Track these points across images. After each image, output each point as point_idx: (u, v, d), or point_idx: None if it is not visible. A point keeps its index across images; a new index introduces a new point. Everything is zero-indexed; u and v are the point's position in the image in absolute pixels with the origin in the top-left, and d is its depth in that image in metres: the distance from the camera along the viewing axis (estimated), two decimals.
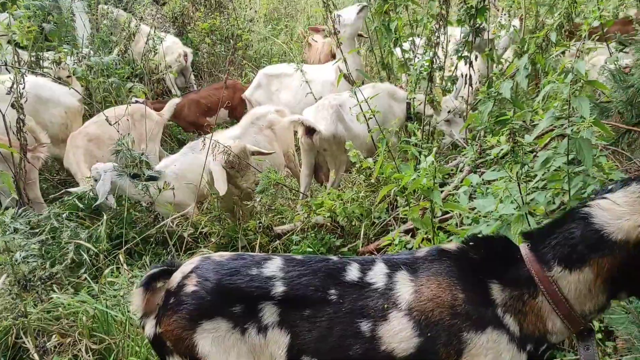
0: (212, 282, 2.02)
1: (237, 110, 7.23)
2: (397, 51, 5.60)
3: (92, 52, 6.68)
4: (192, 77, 8.58)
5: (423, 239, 2.95)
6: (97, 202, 4.29)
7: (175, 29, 9.71)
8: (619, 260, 1.74)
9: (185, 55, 8.13)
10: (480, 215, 2.84)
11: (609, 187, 1.85)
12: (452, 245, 2.09)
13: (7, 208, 3.55)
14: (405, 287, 1.95)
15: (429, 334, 1.88)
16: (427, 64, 4.32)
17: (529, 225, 2.50)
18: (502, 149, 2.55)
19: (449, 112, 5.14)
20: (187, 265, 2.14)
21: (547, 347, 1.93)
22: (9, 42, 5.16)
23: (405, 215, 4.08)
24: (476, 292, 1.91)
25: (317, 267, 2.04)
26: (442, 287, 1.92)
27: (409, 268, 2.00)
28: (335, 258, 2.12)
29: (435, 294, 1.91)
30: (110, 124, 4.20)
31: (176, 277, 2.11)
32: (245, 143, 4.40)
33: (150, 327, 2.10)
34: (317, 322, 1.95)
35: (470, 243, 2.02)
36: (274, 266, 2.05)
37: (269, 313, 1.97)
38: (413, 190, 2.90)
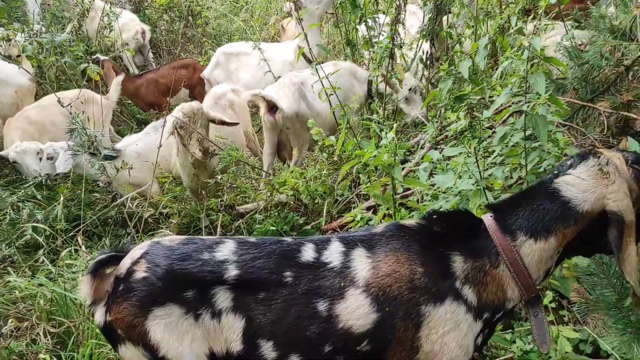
0: (162, 268, 1.97)
1: (196, 90, 7.13)
2: (362, 28, 5.58)
3: (43, 29, 6.42)
4: (151, 55, 8.36)
5: (385, 215, 2.97)
6: (58, 171, 4.28)
7: (132, 5, 9.40)
8: (580, 229, 1.88)
9: (143, 32, 7.90)
10: (440, 191, 2.88)
11: (568, 162, 1.95)
12: (411, 221, 2.10)
13: None
14: (362, 265, 1.96)
15: (387, 309, 1.90)
16: (389, 40, 4.31)
17: (487, 199, 2.55)
18: (460, 125, 2.58)
19: (410, 90, 5.16)
20: (136, 250, 2.08)
21: (502, 314, 1.99)
22: None
23: (368, 192, 4.13)
24: (436, 265, 1.94)
25: (271, 249, 2.02)
26: (401, 262, 1.94)
27: (366, 245, 2.01)
28: (289, 239, 2.10)
29: (394, 269, 1.93)
30: (62, 106, 4.05)
31: (125, 263, 2.05)
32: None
33: (100, 315, 2.05)
34: (272, 304, 1.93)
35: (433, 217, 2.05)
36: (226, 250, 2.01)
37: (223, 298, 1.94)
38: (375, 167, 2.91)
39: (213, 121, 4.21)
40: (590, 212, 1.86)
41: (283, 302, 1.93)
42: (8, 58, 5.51)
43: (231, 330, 1.95)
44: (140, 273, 1.98)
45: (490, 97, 3.83)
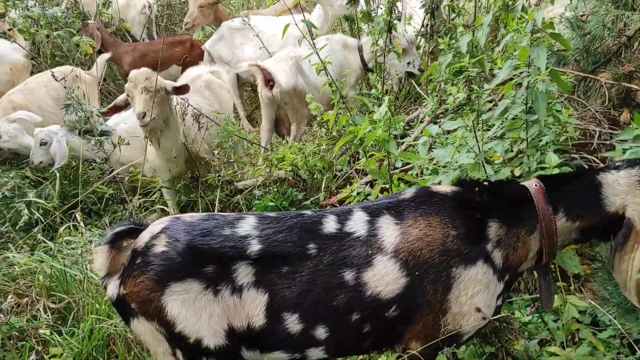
0: (182, 243, 1.96)
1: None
2: (361, 2, 5.48)
3: (36, 3, 6.31)
4: (154, 30, 8.21)
5: (382, 190, 2.95)
6: (57, 166, 4.13)
7: None
8: (602, 223, 2.06)
9: (150, 6, 7.76)
10: (439, 166, 2.86)
11: (617, 163, 2.11)
12: (445, 187, 2.14)
13: None
14: (389, 231, 1.98)
15: (417, 273, 1.93)
16: (386, 14, 4.24)
17: (486, 173, 2.53)
18: (458, 98, 2.54)
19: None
20: (156, 225, 2.07)
21: (516, 277, 2.13)
22: None
23: (364, 167, 4.11)
24: (470, 229, 1.99)
25: (292, 222, 2.01)
26: (433, 225, 1.97)
27: (393, 212, 2.02)
28: (310, 212, 2.09)
29: (425, 233, 1.96)
30: (57, 80, 3.99)
31: (144, 236, 2.04)
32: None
33: (113, 288, 2.02)
34: (296, 277, 1.94)
35: (470, 185, 2.11)
36: (247, 225, 2.01)
37: (244, 273, 1.94)
38: (370, 143, 2.88)
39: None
40: (614, 213, 2.02)
41: (308, 274, 1.94)
42: (2, 34, 5.43)
43: (253, 305, 1.95)
44: (159, 247, 1.97)
45: (490, 70, 3.79)
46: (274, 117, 5.10)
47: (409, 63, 4.94)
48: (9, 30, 4.67)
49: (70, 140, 4.21)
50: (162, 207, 4.21)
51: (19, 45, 4.68)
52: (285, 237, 1.97)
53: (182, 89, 3.90)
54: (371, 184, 4.04)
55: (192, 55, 6.93)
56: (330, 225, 2.01)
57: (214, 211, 4.25)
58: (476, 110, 2.51)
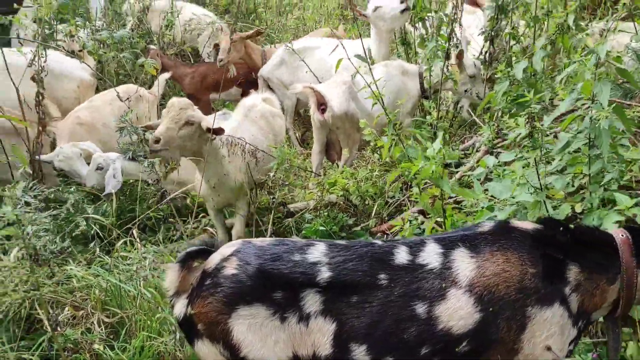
0: (253, 267, 1.97)
1: (250, 91, 7.00)
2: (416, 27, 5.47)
3: (104, 24, 6.63)
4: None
5: (434, 226, 2.90)
6: (106, 192, 4.24)
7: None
8: None
9: (222, 29, 7.99)
10: (495, 202, 2.79)
11: None
12: (525, 224, 2.10)
13: (17, 182, 3.54)
14: (464, 264, 1.95)
15: (491, 309, 1.89)
16: (444, 40, 4.22)
17: (547, 211, 2.45)
18: (520, 134, 2.49)
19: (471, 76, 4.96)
20: (227, 247, 2.10)
21: (588, 324, 2.11)
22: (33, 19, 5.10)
23: (416, 200, 4.06)
24: (549, 269, 1.94)
25: (362, 251, 2.00)
26: (511, 261, 1.93)
27: (468, 244, 2.00)
28: (380, 242, 2.09)
29: (503, 269, 1.92)
30: (121, 100, 4.13)
31: (215, 258, 2.06)
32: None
33: (180, 307, 2.05)
34: (366, 307, 1.92)
35: (554, 225, 2.06)
36: (317, 252, 2.01)
37: (312, 301, 1.93)
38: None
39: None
40: None
41: (378, 305, 1.92)
42: (71, 53, 5.70)
43: (320, 334, 1.93)
44: (230, 269, 1.98)
45: (550, 99, 3.69)
46: (325, 141, 5.12)
47: (465, 91, 4.88)
48: (80, 51, 4.91)
49: (125, 166, 4.31)
50: (212, 230, 4.28)
51: (87, 64, 4.91)
52: (355, 266, 1.96)
53: (217, 132, 3.82)
54: (423, 213, 3.99)
55: (253, 78, 7.02)
56: (401, 256, 1.99)
57: (266, 234, 4.30)
58: (539, 147, 2.44)
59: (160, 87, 5.44)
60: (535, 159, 2.45)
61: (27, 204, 2.84)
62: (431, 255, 1.97)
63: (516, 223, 2.10)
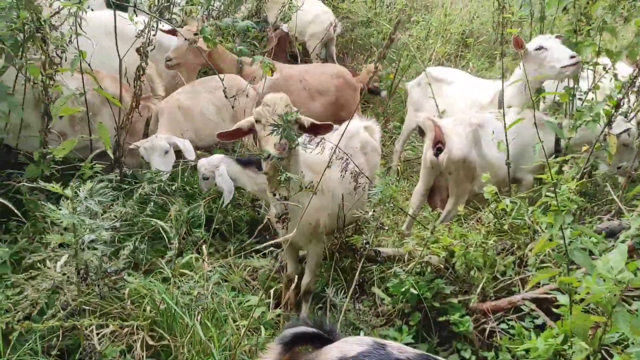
0: None
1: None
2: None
3: (222, 7, 6.31)
4: (334, 49, 8.00)
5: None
6: (226, 201, 3.85)
7: None
8: None
9: (335, 26, 7.59)
10: None
11: None
12: None
13: (85, 177, 3.16)
14: None
15: None
16: (612, 105, 3.48)
17: None
18: None
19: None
20: (351, 344, 1.57)
21: None
22: None
23: (569, 324, 3.34)
24: None
25: None
26: None
27: None
28: None
29: None
30: (226, 97, 3.71)
31: (331, 353, 1.56)
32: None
33: None
34: None
35: None
36: None
37: None
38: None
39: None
40: None
41: None
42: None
43: None
44: None
45: None
46: (432, 184, 4.49)
47: (619, 167, 4.10)
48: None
49: (230, 170, 3.88)
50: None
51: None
52: None
53: (323, 129, 3.21)
54: (539, 301, 3.28)
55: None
56: None
57: (342, 280, 3.74)
58: None
59: (267, 85, 4.95)
60: None
61: (88, 209, 2.38)
62: None
63: None
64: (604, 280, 1.83)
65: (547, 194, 2.49)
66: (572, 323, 1.95)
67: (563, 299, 2.36)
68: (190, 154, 4.12)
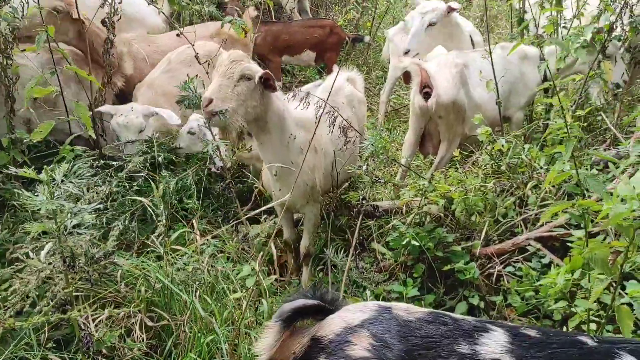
0: (395, 353, 1.32)
1: (326, 55, 6.33)
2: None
3: None
4: (308, 5, 7.66)
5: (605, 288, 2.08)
6: (218, 164, 3.71)
7: None
8: None
9: None
10: None
11: None
12: None
13: (60, 160, 2.96)
14: None
15: None
16: (606, 29, 3.32)
17: None
18: None
19: None
20: (354, 312, 1.46)
21: None
22: None
23: (539, 217, 3.28)
24: None
25: (566, 354, 1.32)
26: None
27: None
28: (590, 341, 1.37)
29: None
30: (199, 62, 3.45)
31: (334, 324, 1.43)
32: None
33: None
34: None
35: None
36: (495, 343, 1.34)
37: None
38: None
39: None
40: None
41: None
42: None
43: None
44: (358, 350, 1.34)
45: None
46: (422, 131, 4.35)
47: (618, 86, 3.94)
48: None
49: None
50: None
51: (163, 13, 4.23)
52: None
53: (269, 82, 2.98)
54: (543, 242, 3.20)
55: (329, 42, 6.32)
56: None
57: (341, 240, 3.64)
58: None
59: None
60: None
61: (69, 194, 2.20)
62: None
63: None
64: (629, 201, 1.72)
65: (555, 120, 2.36)
66: (590, 251, 1.85)
67: (577, 232, 2.26)
68: (173, 119, 3.88)
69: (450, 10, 4.70)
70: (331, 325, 1.43)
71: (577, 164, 2.16)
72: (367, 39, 6.58)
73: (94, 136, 3.61)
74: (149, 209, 2.98)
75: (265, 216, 3.56)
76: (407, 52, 4.65)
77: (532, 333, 1.37)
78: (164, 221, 2.69)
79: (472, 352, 1.31)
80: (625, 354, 1.31)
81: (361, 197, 3.25)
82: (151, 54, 4.81)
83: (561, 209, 2.15)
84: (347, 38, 6.24)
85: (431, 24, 4.69)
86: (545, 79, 4.38)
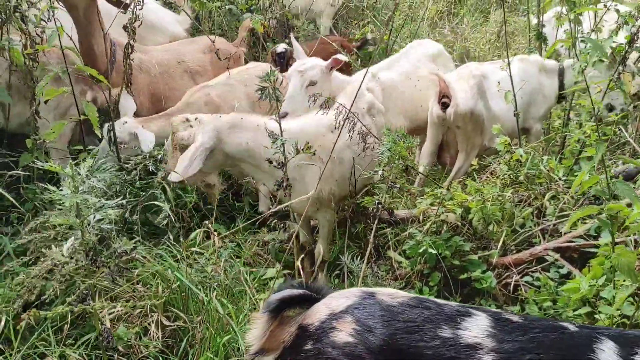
0: (378, 338, 1.34)
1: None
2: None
3: None
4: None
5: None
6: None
7: None
8: None
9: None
10: None
11: None
12: None
13: (85, 156, 3.00)
14: None
15: None
16: (627, 40, 3.32)
17: None
18: None
19: None
20: (339, 299, 1.49)
21: None
22: None
23: (558, 228, 3.26)
24: None
25: (547, 339, 1.33)
26: None
27: None
28: (572, 327, 1.39)
29: None
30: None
31: (320, 312, 1.46)
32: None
33: None
34: None
35: None
36: (477, 328, 1.35)
37: None
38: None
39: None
40: None
41: None
42: (168, 5, 5.17)
43: None
44: (342, 335, 1.37)
45: None
46: (440, 140, 4.36)
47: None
48: None
49: None
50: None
51: (187, 14, 4.18)
52: None
53: None
54: (562, 251, 3.18)
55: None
56: (607, 355, 1.30)
57: (357, 247, 3.64)
58: None
59: None
60: None
61: (92, 188, 2.24)
62: None
63: None
64: None
65: (586, 122, 2.37)
66: (616, 258, 1.84)
67: (603, 238, 2.25)
68: (145, 145, 3.65)
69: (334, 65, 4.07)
70: (317, 313, 1.45)
71: (606, 169, 2.16)
72: (369, 36, 6.54)
73: (100, 135, 3.59)
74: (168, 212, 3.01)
75: (275, 221, 3.58)
76: (284, 116, 3.60)
77: (515, 318, 1.40)
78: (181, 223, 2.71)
79: (454, 336, 1.32)
80: (605, 338, 1.32)
81: (376, 201, 3.24)
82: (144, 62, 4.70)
83: (589, 214, 2.14)
84: (354, 49, 6.20)
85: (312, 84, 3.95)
86: (562, 87, 4.41)
